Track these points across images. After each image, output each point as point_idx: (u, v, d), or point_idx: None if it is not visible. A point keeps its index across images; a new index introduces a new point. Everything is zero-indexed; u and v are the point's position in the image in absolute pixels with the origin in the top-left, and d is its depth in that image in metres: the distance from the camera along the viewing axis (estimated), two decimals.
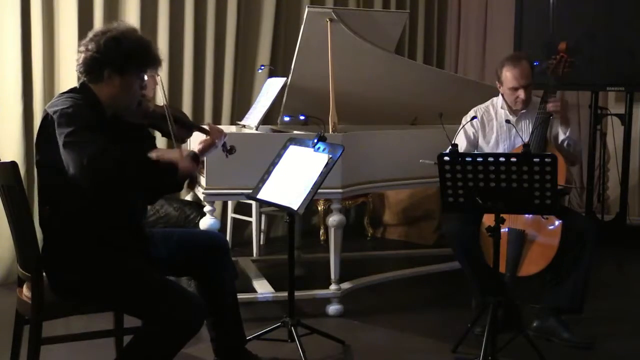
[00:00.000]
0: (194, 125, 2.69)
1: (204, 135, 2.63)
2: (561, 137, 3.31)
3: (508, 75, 3.35)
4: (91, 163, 2.12)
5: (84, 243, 2.34)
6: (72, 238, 2.34)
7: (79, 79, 2.44)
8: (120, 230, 2.41)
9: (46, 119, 2.28)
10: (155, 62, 2.45)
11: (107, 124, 2.34)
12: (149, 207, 3.70)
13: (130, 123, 2.47)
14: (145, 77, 2.47)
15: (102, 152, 2.14)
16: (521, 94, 3.34)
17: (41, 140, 2.33)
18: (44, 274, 2.36)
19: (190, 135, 2.72)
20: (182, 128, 2.59)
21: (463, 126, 3.40)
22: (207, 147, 2.59)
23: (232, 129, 4.58)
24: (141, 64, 2.40)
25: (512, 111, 3.45)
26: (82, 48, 2.37)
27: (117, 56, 2.34)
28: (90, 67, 2.35)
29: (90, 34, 2.39)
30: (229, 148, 2.71)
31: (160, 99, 2.50)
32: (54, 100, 2.34)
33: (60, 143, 2.19)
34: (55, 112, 2.24)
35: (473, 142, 3.46)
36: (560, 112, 3.25)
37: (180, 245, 2.66)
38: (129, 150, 2.26)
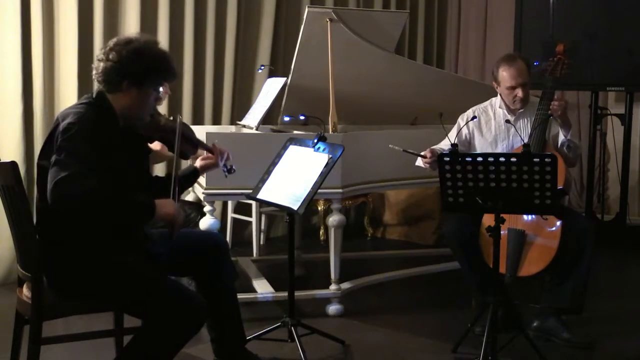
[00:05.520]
0: (200, 143, 2.74)
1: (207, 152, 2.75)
2: (561, 139, 3.31)
3: (505, 74, 3.35)
4: (59, 185, 2.13)
5: (81, 242, 2.33)
6: (68, 236, 2.33)
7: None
8: (119, 229, 2.40)
9: (57, 127, 2.28)
10: (172, 77, 2.49)
11: (119, 134, 2.35)
12: None
13: (140, 135, 2.49)
14: (161, 89, 2.49)
15: (75, 178, 2.14)
16: (519, 92, 3.35)
17: (47, 145, 2.32)
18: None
19: (195, 152, 2.76)
20: (188, 144, 2.64)
21: (461, 126, 3.40)
22: (208, 165, 2.76)
23: (232, 129, 4.59)
24: (159, 78, 2.43)
25: (510, 111, 3.45)
26: (102, 57, 2.37)
27: (138, 69, 2.35)
28: (110, 77, 2.36)
29: (111, 43, 2.39)
30: (229, 168, 2.79)
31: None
32: (68, 109, 2.36)
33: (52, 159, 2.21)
34: (64, 125, 2.25)
35: (464, 143, 3.45)
36: (563, 113, 3.24)
37: (179, 245, 2.65)
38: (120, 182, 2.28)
